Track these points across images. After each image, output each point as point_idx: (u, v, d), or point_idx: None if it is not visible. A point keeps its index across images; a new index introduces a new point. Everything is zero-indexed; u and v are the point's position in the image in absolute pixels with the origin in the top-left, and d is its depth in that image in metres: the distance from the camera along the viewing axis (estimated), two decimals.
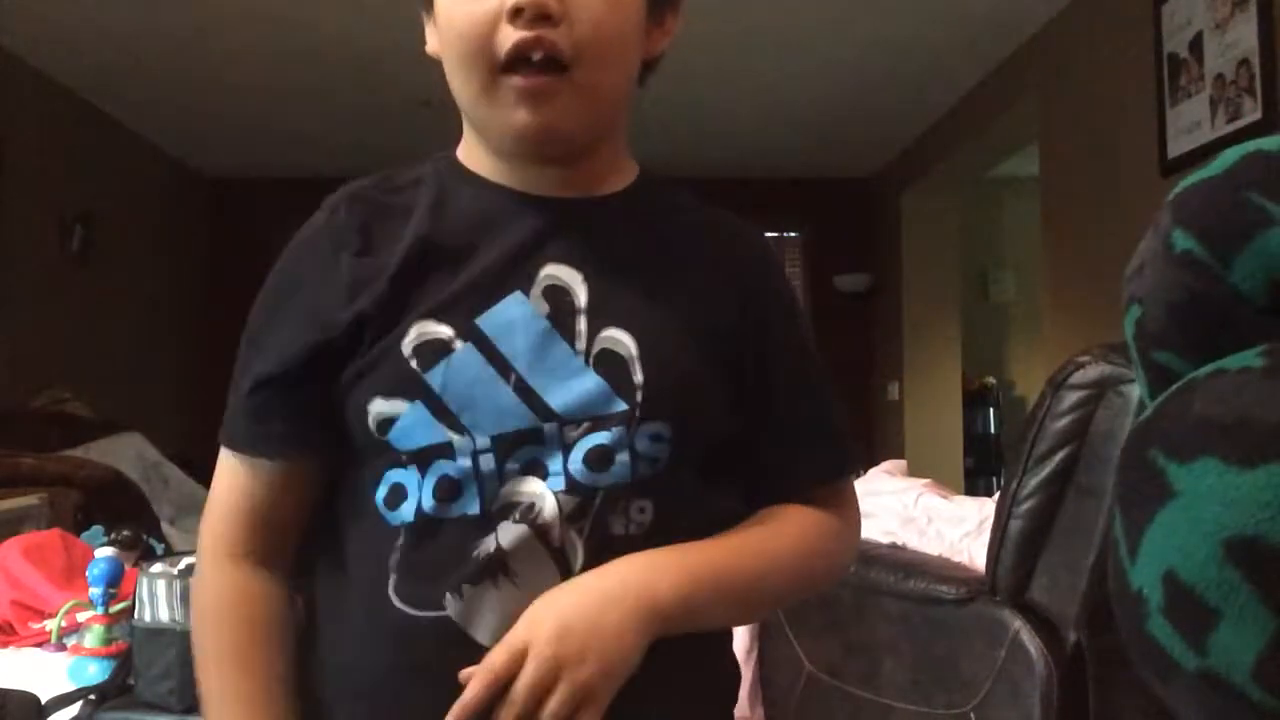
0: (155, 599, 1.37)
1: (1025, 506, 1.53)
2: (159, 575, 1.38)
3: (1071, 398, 1.48)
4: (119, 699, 1.39)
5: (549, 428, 0.70)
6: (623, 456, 0.71)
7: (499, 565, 0.69)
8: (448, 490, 0.70)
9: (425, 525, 0.71)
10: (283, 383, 0.75)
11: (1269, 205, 0.52)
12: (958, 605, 1.61)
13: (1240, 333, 0.52)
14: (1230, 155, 0.57)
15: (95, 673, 1.45)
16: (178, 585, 1.36)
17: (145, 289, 4.75)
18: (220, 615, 0.76)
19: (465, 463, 0.70)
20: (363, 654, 0.72)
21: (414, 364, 0.71)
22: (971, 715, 1.58)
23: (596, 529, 0.70)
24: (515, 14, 0.69)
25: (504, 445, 0.70)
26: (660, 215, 0.81)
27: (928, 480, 2.19)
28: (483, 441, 0.70)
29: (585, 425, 0.71)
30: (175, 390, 4.95)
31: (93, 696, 1.39)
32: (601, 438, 0.71)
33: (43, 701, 1.37)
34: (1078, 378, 1.48)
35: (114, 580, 1.52)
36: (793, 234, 5.98)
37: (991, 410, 5.77)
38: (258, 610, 0.76)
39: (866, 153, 5.40)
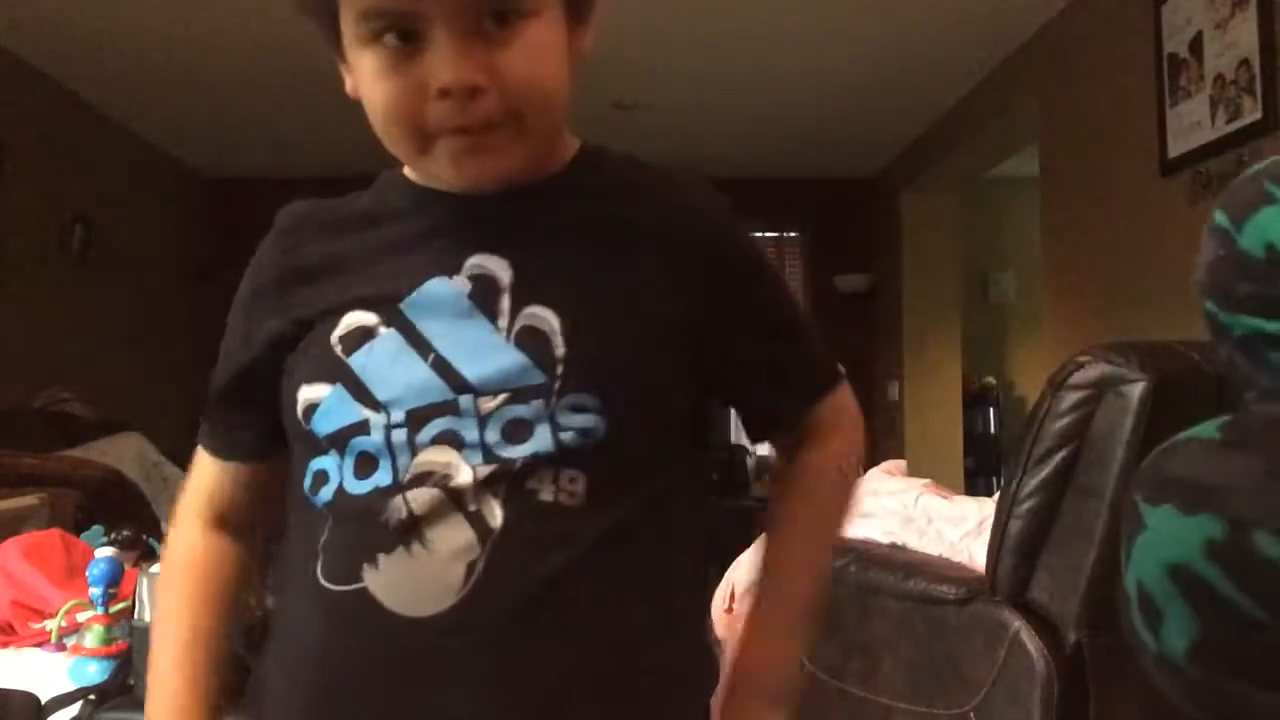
0: (155, 599, 1.37)
1: (1025, 506, 1.53)
2: (159, 575, 1.37)
3: (1071, 398, 1.48)
4: (119, 699, 1.39)
5: (464, 400, 0.70)
6: (542, 429, 0.70)
7: (411, 531, 0.69)
8: (365, 466, 0.71)
9: (342, 502, 0.72)
10: (234, 394, 0.81)
11: (1273, 188, 0.73)
12: (958, 605, 1.61)
13: (1251, 281, 0.73)
14: (1269, 159, 0.80)
15: (95, 673, 1.45)
16: None
17: (145, 289, 4.76)
18: (173, 576, 0.86)
19: (379, 437, 0.71)
20: (302, 637, 0.74)
21: (338, 350, 0.73)
22: (971, 715, 1.57)
23: (516, 493, 0.69)
24: (442, 95, 0.68)
25: (418, 417, 0.71)
26: (596, 190, 0.79)
27: (928, 480, 2.19)
28: (397, 416, 0.71)
29: (503, 397, 0.70)
30: (175, 390, 4.94)
31: (93, 696, 1.39)
32: (519, 410, 0.70)
33: (43, 701, 1.37)
34: (1078, 378, 1.48)
35: (114, 580, 1.52)
36: (793, 234, 5.97)
37: (991, 410, 5.77)
38: (213, 569, 0.84)
39: (866, 153, 5.40)
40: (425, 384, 0.71)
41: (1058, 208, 3.68)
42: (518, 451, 0.70)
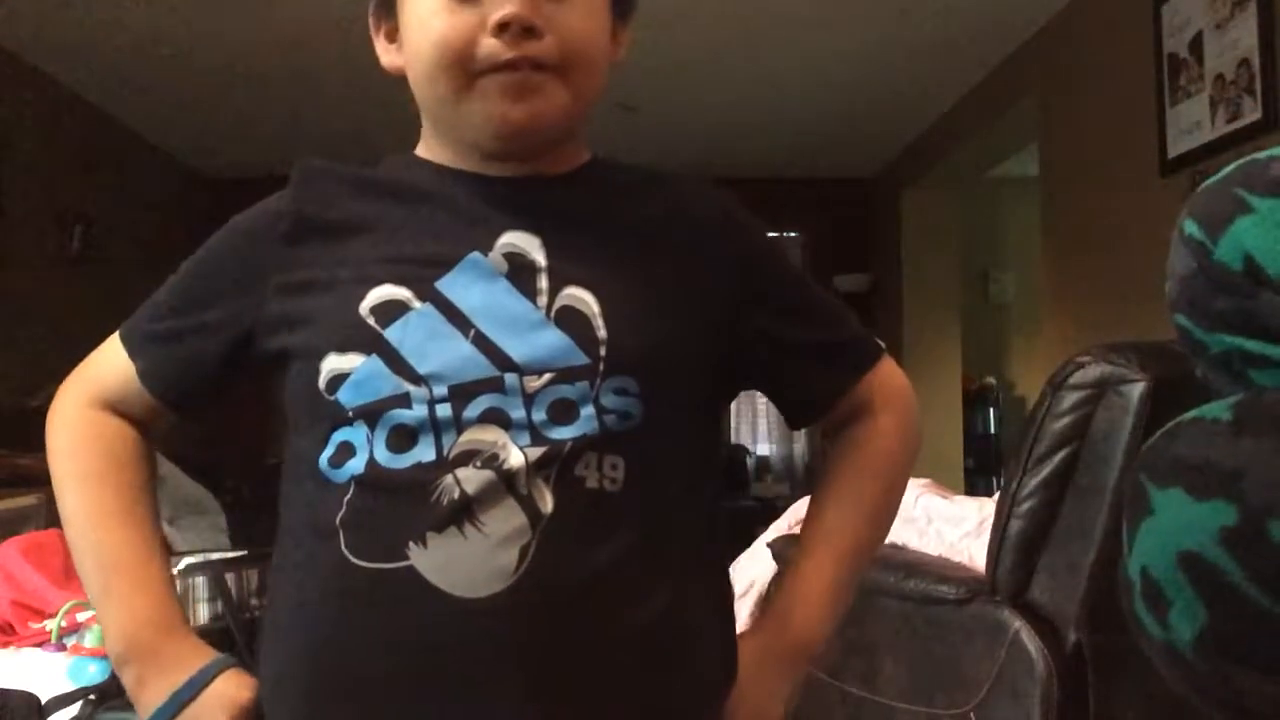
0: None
1: (1025, 506, 1.53)
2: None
3: (1071, 398, 1.48)
4: (119, 699, 1.39)
5: (510, 378, 0.70)
6: (587, 410, 0.70)
7: (465, 513, 0.68)
8: (402, 440, 0.70)
9: (376, 476, 0.70)
10: (209, 333, 0.79)
11: (1248, 196, 0.69)
12: (958, 605, 1.61)
13: (1229, 296, 0.69)
14: (1233, 163, 0.74)
15: (95, 673, 1.45)
16: (177, 585, 1.36)
17: (145, 289, 4.73)
18: (78, 445, 0.81)
19: (422, 411, 0.70)
20: (315, 617, 0.71)
21: (372, 321, 0.72)
22: (971, 715, 1.57)
23: (564, 477, 0.69)
24: (500, 29, 0.70)
25: (462, 393, 0.70)
26: (618, 185, 0.82)
27: (928, 480, 2.18)
28: (440, 391, 0.70)
29: (548, 377, 0.70)
30: None
31: (93, 696, 1.39)
32: (565, 390, 0.70)
33: (43, 701, 1.37)
34: (1078, 378, 1.48)
35: None
36: (793, 234, 5.97)
37: (991, 410, 5.77)
38: (118, 444, 0.81)
39: (866, 153, 5.40)
40: (468, 360, 0.70)
41: (1058, 208, 3.68)
42: (565, 433, 0.70)
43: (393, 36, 0.80)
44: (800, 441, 5.90)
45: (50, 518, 2.57)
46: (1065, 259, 3.61)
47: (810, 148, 5.26)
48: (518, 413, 0.69)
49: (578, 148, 0.83)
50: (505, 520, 0.68)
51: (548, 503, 0.69)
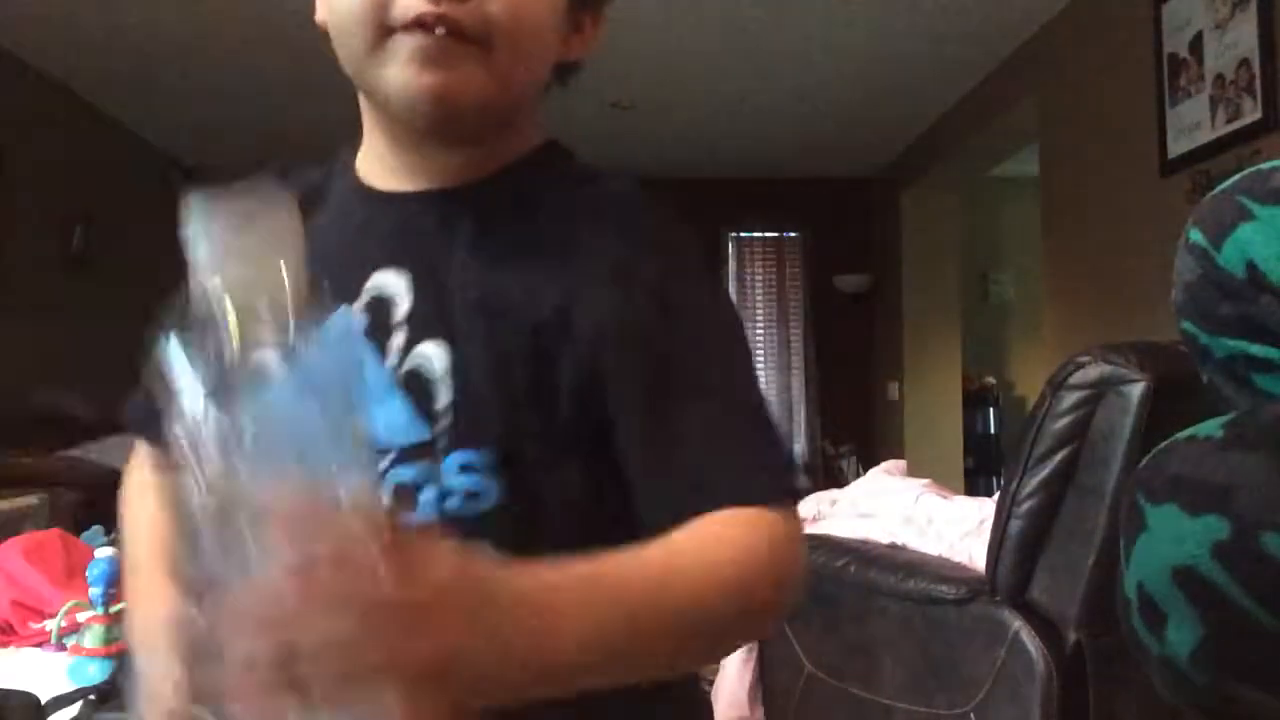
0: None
1: (1025, 506, 1.53)
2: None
3: (1071, 398, 1.48)
4: (119, 699, 1.39)
5: None
6: (427, 494, 0.62)
7: None
8: None
9: None
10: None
11: (1250, 204, 0.69)
12: (958, 605, 1.61)
13: (1232, 301, 0.70)
14: (1238, 173, 0.74)
15: (95, 673, 1.45)
16: None
17: (145, 290, 4.73)
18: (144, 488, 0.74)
19: None
20: None
21: None
22: (971, 715, 1.57)
23: None
24: None
25: None
26: (533, 197, 0.69)
27: (928, 480, 2.18)
28: None
29: (391, 456, 0.63)
30: None
31: (93, 696, 1.39)
32: (405, 472, 0.62)
33: (43, 701, 1.37)
34: (1078, 378, 1.48)
35: (114, 580, 1.52)
36: (793, 234, 5.97)
37: (991, 410, 5.77)
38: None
39: (866, 153, 5.40)
40: None
41: (1058, 208, 3.68)
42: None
43: None
44: (800, 441, 5.90)
45: (50, 518, 2.57)
46: (1065, 259, 3.61)
47: (810, 148, 5.26)
48: None
49: (517, 138, 0.71)
50: None
51: None
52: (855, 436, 5.67)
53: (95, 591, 1.51)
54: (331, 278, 0.60)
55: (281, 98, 4.30)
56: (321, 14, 0.70)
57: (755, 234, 5.93)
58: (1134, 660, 0.71)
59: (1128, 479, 0.73)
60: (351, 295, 0.66)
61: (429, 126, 0.67)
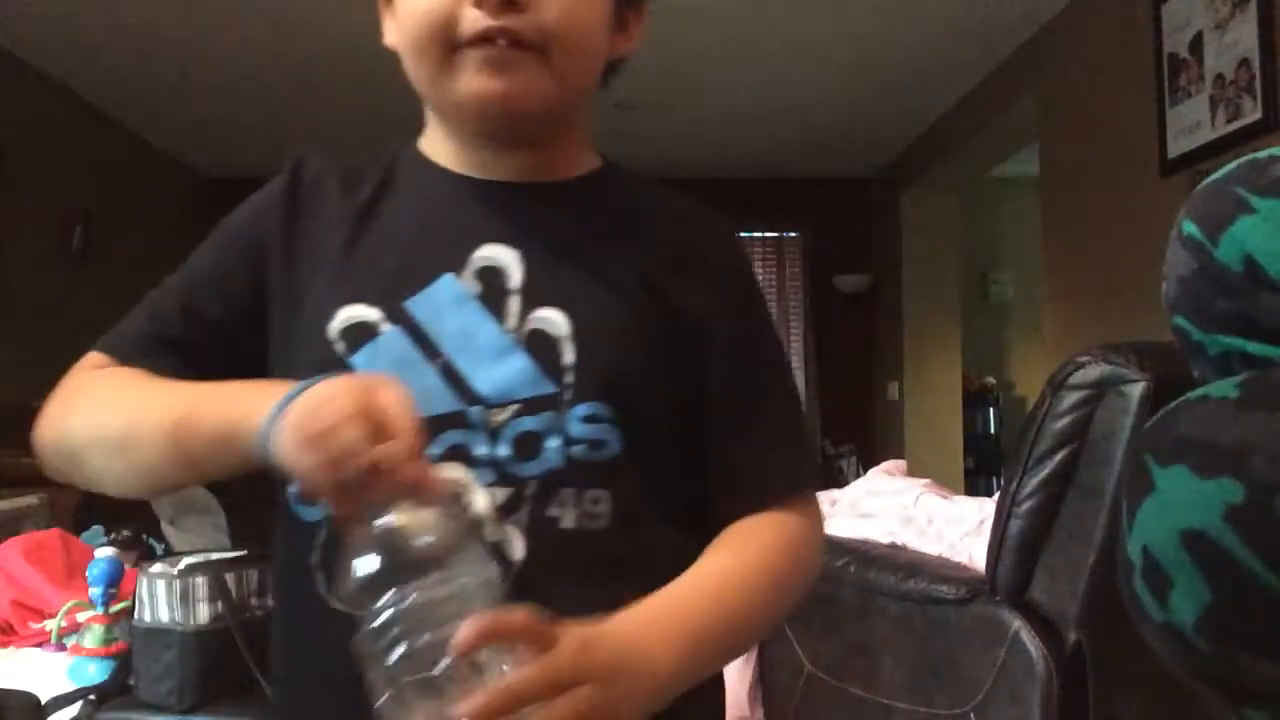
0: (155, 599, 1.37)
1: (1025, 506, 1.53)
2: (159, 575, 1.37)
3: (1071, 398, 1.48)
4: (119, 699, 1.39)
5: (473, 411, 0.68)
6: (553, 442, 0.67)
7: (433, 561, 0.62)
8: None
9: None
10: (210, 323, 0.75)
11: (1248, 196, 0.68)
12: (958, 605, 1.61)
13: (1229, 297, 0.68)
14: (1231, 163, 0.73)
15: (95, 673, 1.45)
16: (177, 585, 1.36)
17: (145, 289, 4.73)
18: (111, 376, 0.75)
19: None
20: (324, 657, 0.68)
21: (339, 347, 0.69)
22: (971, 715, 1.57)
23: (537, 520, 0.66)
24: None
25: (427, 429, 0.65)
26: (620, 200, 0.79)
27: (928, 480, 2.18)
28: None
29: (513, 409, 0.67)
30: None
31: (93, 696, 1.39)
32: (530, 422, 0.67)
33: (43, 701, 1.37)
34: (1078, 378, 1.48)
35: (114, 580, 1.52)
36: (793, 234, 5.97)
37: (991, 410, 5.78)
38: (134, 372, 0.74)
39: (866, 153, 5.40)
40: (433, 392, 0.67)
41: (1058, 208, 3.68)
42: (529, 469, 0.67)
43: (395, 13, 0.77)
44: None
45: (50, 518, 2.57)
46: (1065, 259, 3.61)
47: (810, 148, 5.26)
48: (481, 449, 0.67)
49: (581, 149, 0.80)
50: (474, 570, 0.60)
51: (518, 550, 0.66)
52: (855, 436, 5.67)
53: (95, 591, 1.51)
54: (434, 248, 0.71)
55: (282, 98, 4.30)
56: (390, 38, 0.77)
57: (755, 234, 5.94)
58: (1134, 660, 0.69)
59: (1134, 439, 0.72)
60: (457, 265, 0.71)
61: (497, 129, 0.74)
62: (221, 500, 3.44)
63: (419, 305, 0.70)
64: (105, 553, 1.56)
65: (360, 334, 0.70)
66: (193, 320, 0.76)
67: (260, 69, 3.97)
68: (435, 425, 0.66)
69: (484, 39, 0.68)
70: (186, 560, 1.40)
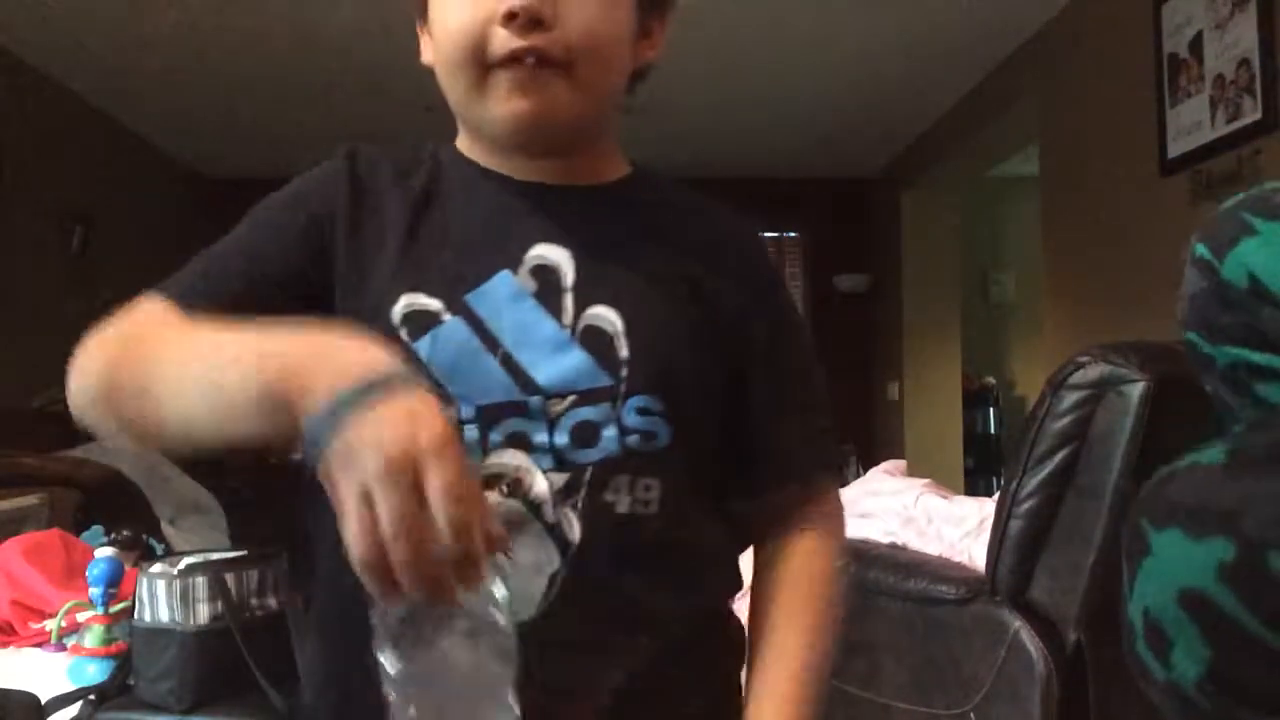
0: (155, 599, 1.37)
1: (1025, 506, 1.53)
2: (159, 575, 1.38)
3: (1071, 398, 1.48)
4: (119, 699, 1.39)
5: (534, 401, 0.70)
6: (609, 431, 0.71)
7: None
8: None
9: None
10: (270, 272, 0.74)
11: (1253, 219, 0.73)
12: (958, 605, 1.61)
13: (1234, 312, 0.73)
14: (1245, 192, 0.78)
15: (95, 673, 1.45)
16: (177, 585, 1.36)
17: (145, 289, 4.73)
18: (156, 321, 0.73)
19: None
20: (354, 637, 0.66)
21: (403, 332, 0.71)
22: (971, 715, 1.57)
23: (592, 504, 0.70)
24: (508, 19, 0.70)
25: (488, 416, 0.70)
26: (655, 202, 0.82)
27: (928, 480, 2.18)
28: (467, 411, 0.70)
29: (571, 399, 0.71)
30: None
31: (93, 696, 1.39)
32: (588, 413, 0.71)
33: (43, 701, 1.37)
34: (1078, 378, 1.48)
35: (114, 580, 1.52)
36: (793, 234, 5.97)
37: (991, 410, 5.77)
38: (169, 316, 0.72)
39: (866, 153, 5.40)
40: (495, 380, 0.70)
41: (1058, 208, 3.68)
42: (587, 456, 0.70)
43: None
44: None
45: (50, 518, 2.57)
46: (1065, 259, 3.61)
47: (810, 148, 5.26)
48: (540, 436, 0.70)
49: (612, 156, 0.83)
50: (533, 549, 0.68)
51: (575, 531, 0.69)
52: (855, 436, 5.66)
53: (95, 591, 1.51)
54: (489, 246, 0.73)
55: (282, 98, 4.30)
56: (428, 56, 0.79)
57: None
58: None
59: (1130, 505, 0.74)
60: (512, 263, 0.74)
61: (528, 142, 0.76)
62: (221, 500, 3.44)
63: (478, 300, 0.72)
64: (105, 553, 1.56)
65: (423, 321, 0.72)
66: (255, 275, 0.75)
67: (261, 70, 3.97)
68: (496, 412, 0.70)
69: (513, 59, 0.71)
70: (186, 560, 1.40)
